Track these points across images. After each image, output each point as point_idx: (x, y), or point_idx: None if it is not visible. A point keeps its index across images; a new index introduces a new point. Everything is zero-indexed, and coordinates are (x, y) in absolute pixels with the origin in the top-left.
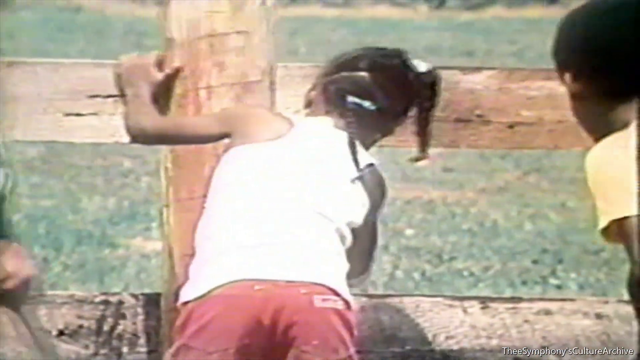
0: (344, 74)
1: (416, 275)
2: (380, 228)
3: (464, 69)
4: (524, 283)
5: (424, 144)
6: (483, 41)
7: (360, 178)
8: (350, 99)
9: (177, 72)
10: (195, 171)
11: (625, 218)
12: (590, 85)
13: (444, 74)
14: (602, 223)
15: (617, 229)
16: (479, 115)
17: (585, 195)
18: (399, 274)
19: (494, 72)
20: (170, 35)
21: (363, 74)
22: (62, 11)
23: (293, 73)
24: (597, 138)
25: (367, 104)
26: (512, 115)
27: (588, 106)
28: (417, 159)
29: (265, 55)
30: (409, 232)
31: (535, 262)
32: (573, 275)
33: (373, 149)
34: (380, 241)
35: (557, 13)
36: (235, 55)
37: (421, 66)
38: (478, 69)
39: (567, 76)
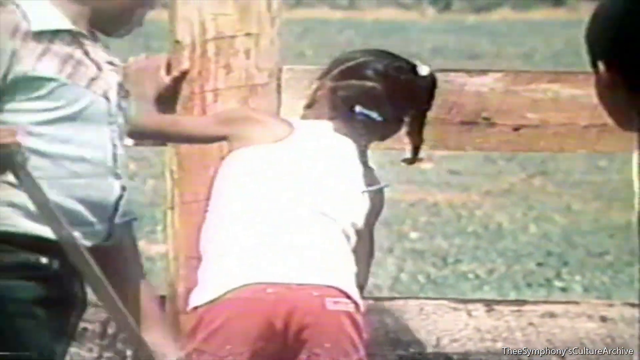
0: (353, 82)
1: (421, 278)
2: (384, 231)
3: (470, 72)
4: (529, 285)
5: (418, 146)
6: (489, 43)
7: (370, 188)
8: (359, 109)
9: (184, 74)
10: (200, 174)
11: None
12: (623, 74)
13: (450, 77)
14: None
15: None
16: (484, 118)
17: (590, 198)
18: (403, 276)
19: (500, 75)
20: (177, 38)
21: (373, 84)
22: None
23: (299, 75)
24: (628, 129)
25: (375, 114)
26: (518, 118)
27: (620, 96)
28: (411, 161)
29: (271, 58)
30: (413, 234)
31: (540, 264)
32: (578, 277)
33: (378, 152)
34: (385, 244)
35: (563, 15)
36: (242, 57)
37: (422, 70)
38: (484, 72)
39: (600, 64)
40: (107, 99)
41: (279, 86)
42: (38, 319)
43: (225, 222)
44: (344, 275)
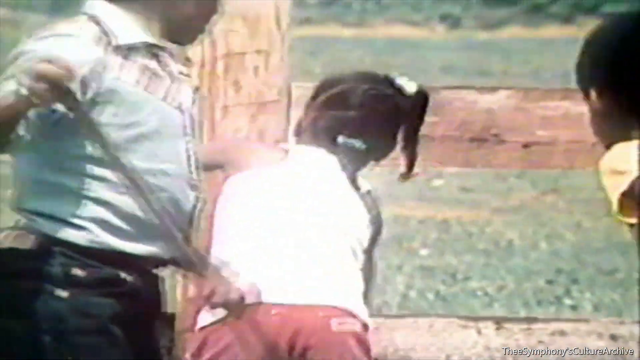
0: (333, 112)
1: (430, 295)
2: (394, 247)
3: (480, 89)
4: (539, 303)
5: (412, 162)
6: (499, 61)
7: (364, 203)
8: (341, 139)
9: None
10: (210, 192)
11: (631, 188)
12: (613, 101)
13: (460, 94)
14: (615, 201)
15: (629, 200)
16: (494, 135)
17: (601, 215)
18: (412, 293)
19: (510, 92)
20: (187, 55)
21: (354, 113)
22: None
23: (309, 93)
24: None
25: (358, 143)
26: (528, 135)
27: (611, 123)
28: (405, 177)
29: (281, 75)
30: (423, 251)
31: (550, 282)
32: (588, 295)
33: (388, 168)
34: (395, 260)
35: (573, 33)
36: (251, 75)
37: (411, 86)
38: (494, 89)
39: (591, 92)
40: (181, 110)
41: (288, 103)
42: (113, 337)
43: (229, 245)
44: (351, 294)
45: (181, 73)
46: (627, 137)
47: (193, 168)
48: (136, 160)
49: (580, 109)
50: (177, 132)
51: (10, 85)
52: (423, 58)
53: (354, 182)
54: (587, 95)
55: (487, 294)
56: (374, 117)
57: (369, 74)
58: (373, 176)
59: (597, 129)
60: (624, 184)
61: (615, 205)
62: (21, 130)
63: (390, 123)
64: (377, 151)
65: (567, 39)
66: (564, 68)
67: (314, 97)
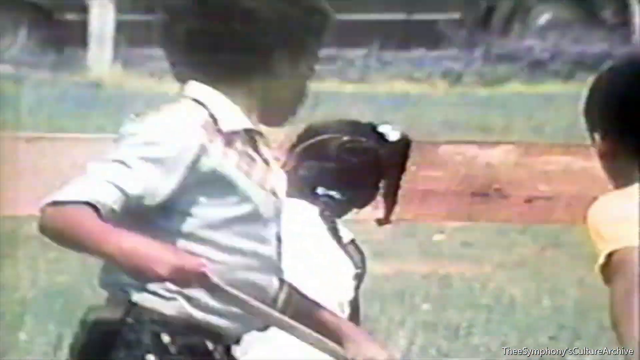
0: (312, 162)
1: (432, 351)
2: (396, 302)
3: (481, 144)
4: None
5: (390, 208)
6: (500, 116)
7: (347, 253)
8: (320, 190)
9: None
10: None
11: (621, 249)
12: (618, 143)
13: (461, 149)
14: (601, 259)
15: (614, 263)
16: (496, 190)
17: None
18: (415, 349)
19: (511, 147)
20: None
21: (331, 165)
22: (81, 87)
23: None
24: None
25: (336, 194)
26: (530, 190)
27: (618, 165)
28: (381, 222)
29: (283, 129)
30: (425, 306)
31: (552, 338)
32: (591, 352)
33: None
34: (397, 316)
35: (574, 89)
36: None
37: (393, 135)
38: (495, 144)
39: (596, 135)
40: (275, 195)
41: None
42: None
43: None
44: None
45: (274, 158)
46: (635, 179)
47: (282, 252)
48: (230, 238)
49: (581, 164)
50: (271, 215)
51: (114, 174)
52: (424, 113)
53: (335, 232)
54: (593, 139)
55: (490, 350)
56: (351, 170)
57: (351, 123)
58: (375, 231)
59: (607, 172)
60: (601, 254)
61: (598, 272)
62: (115, 205)
63: (369, 174)
64: (358, 200)
65: (568, 95)
66: (565, 124)
67: (294, 146)
